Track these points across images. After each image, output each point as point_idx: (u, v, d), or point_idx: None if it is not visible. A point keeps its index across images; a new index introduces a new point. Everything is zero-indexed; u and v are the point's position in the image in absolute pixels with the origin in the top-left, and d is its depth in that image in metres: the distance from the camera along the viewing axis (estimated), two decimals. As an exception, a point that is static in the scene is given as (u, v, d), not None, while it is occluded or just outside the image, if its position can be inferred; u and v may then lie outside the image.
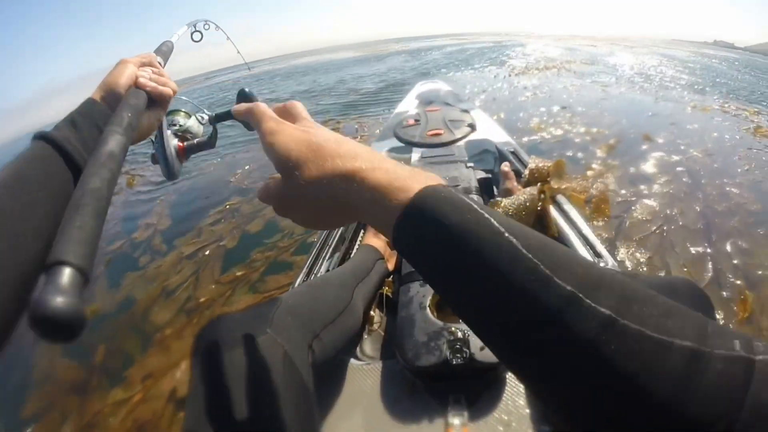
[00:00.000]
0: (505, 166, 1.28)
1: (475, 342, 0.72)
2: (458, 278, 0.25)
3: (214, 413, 0.47)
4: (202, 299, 1.84)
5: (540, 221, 1.10)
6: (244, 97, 0.59)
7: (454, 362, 0.70)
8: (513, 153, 1.60)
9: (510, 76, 7.19)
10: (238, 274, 1.98)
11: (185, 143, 0.64)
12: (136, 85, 0.53)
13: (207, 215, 2.69)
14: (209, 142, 0.66)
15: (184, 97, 0.68)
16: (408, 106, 2.50)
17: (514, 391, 0.75)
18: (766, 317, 1.48)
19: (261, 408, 0.48)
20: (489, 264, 0.24)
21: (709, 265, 1.75)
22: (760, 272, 1.72)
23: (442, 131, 1.78)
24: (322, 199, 0.32)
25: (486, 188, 1.40)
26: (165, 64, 0.64)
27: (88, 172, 0.31)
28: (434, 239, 0.26)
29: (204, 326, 0.57)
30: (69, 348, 1.64)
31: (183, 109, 0.68)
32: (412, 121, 1.96)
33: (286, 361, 0.54)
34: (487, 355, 0.71)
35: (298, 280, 1.05)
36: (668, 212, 2.16)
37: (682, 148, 3.14)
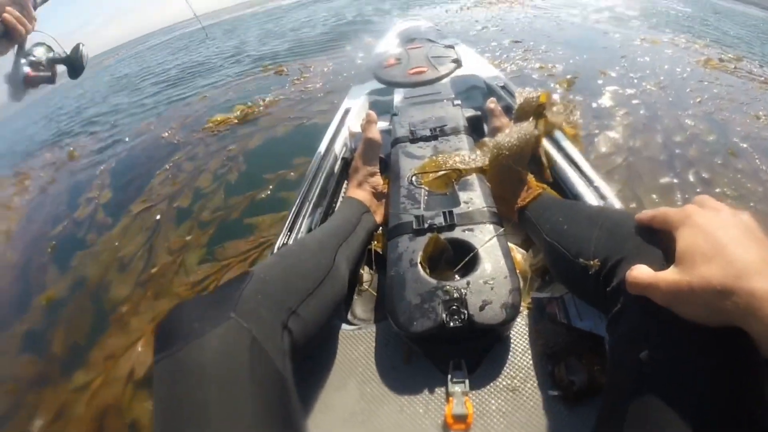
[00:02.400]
0: (491, 103, 1.16)
1: (473, 302, 0.65)
2: None
3: (173, 424, 0.42)
4: (154, 269, 1.73)
5: (534, 160, 0.99)
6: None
7: (452, 325, 0.63)
8: (503, 87, 1.47)
9: (461, 10, 6.91)
10: (188, 238, 1.87)
11: (35, 74, 0.72)
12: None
13: (153, 176, 2.55)
14: (50, 79, 0.76)
15: (48, 33, 0.78)
16: (388, 45, 2.30)
17: (519, 351, 0.69)
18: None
19: (226, 410, 0.42)
20: None
21: (678, 195, 1.77)
22: (721, 202, 1.75)
23: (425, 69, 1.61)
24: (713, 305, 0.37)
25: (476, 127, 1.29)
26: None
27: None
28: None
29: (162, 319, 0.50)
30: (27, 342, 1.64)
31: (47, 44, 0.76)
32: (392, 61, 1.79)
33: (255, 348, 0.48)
34: (486, 316, 0.63)
35: (279, 241, 0.92)
36: (631, 144, 2.17)
37: (636, 81, 3.14)
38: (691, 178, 1.89)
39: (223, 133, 2.93)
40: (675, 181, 1.86)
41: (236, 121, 3.10)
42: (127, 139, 3.59)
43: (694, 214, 0.44)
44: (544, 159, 0.97)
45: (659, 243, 0.48)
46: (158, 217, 2.11)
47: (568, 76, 3.15)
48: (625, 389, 0.43)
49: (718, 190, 1.83)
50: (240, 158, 2.48)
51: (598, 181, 0.94)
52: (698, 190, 1.81)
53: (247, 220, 1.91)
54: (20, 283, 2.04)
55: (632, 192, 1.79)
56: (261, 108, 3.22)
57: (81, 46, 0.79)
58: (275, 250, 0.89)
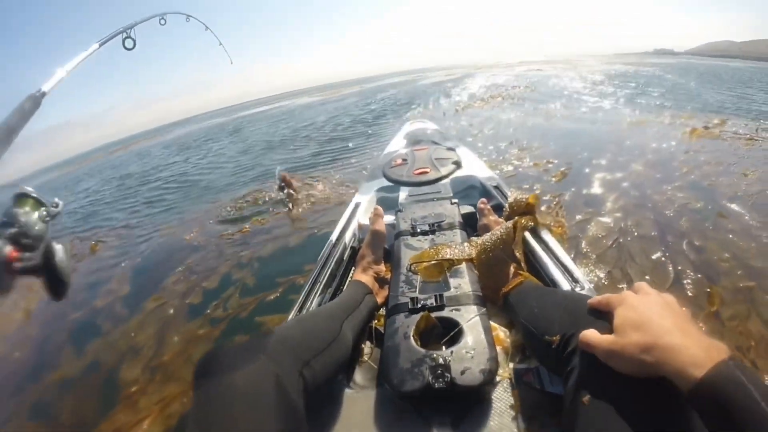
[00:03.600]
0: (482, 203, 1.35)
1: (456, 367, 0.77)
2: None
3: None
4: (165, 357, 1.87)
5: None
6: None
7: (437, 386, 0.74)
8: (496, 187, 1.68)
9: (457, 112, 7.55)
10: (200, 332, 2.00)
11: (20, 254, 0.45)
12: None
13: (169, 275, 2.72)
14: (44, 268, 0.48)
15: (28, 188, 0.51)
16: (397, 146, 2.63)
17: (498, 412, 0.79)
18: (728, 308, 1.59)
19: (252, 427, 0.53)
20: None
21: (669, 268, 1.86)
22: (715, 266, 1.85)
23: (428, 169, 1.86)
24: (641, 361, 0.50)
25: (471, 223, 1.46)
26: (17, 132, 0.59)
27: None
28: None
29: (202, 356, 0.63)
30: (35, 411, 1.75)
31: (34, 195, 0.50)
32: (399, 161, 2.06)
33: (279, 384, 0.60)
34: (467, 379, 0.75)
35: (291, 314, 1.08)
36: (622, 225, 2.30)
37: (624, 163, 3.38)
38: (684, 248, 1.99)
39: (238, 240, 3.12)
40: (667, 254, 1.96)
41: (249, 231, 3.28)
42: (147, 238, 3.80)
43: (628, 297, 0.59)
44: (518, 254, 1.13)
45: (604, 319, 0.61)
46: (171, 311, 2.25)
47: (562, 169, 3.37)
48: (574, 428, 0.55)
49: (715, 257, 1.92)
50: (253, 263, 2.63)
51: (572, 266, 1.10)
52: (692, 258, 1.90)
53: (258, 318, 2.01)
54: (35, 358, 2.17)
55: (622, 272, 1.86)
56: (273, 219, 3.44)
57: (54, 246, 0.50)
58: (288, 320, 1.03)
